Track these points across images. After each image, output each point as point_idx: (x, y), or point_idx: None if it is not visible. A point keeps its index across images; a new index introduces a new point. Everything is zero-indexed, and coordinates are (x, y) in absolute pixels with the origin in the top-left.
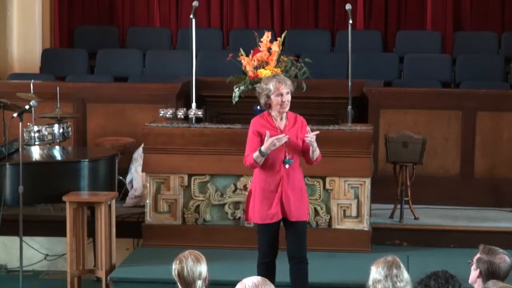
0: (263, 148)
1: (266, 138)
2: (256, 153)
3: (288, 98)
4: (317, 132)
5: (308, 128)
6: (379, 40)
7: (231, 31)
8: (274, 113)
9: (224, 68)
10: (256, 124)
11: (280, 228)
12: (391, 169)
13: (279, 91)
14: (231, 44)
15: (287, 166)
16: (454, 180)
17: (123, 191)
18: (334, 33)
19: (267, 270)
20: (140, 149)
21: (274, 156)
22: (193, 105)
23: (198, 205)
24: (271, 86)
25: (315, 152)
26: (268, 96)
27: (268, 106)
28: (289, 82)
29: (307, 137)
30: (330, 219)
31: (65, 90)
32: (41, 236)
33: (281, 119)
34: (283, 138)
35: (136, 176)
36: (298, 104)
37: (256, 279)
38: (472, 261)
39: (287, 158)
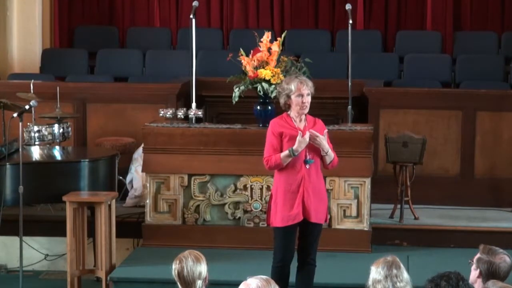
0: (295, 147)
1: (298, 138)
2: (286, 153)
3: (308, 100)
4: (322, 136)
5: (325, 131)
6: (379, 40)
7: (231, 31)
8: (293, 114)
9: (224, 68)
10: (276, 125)
11: None
12: (391, 169)
13: (300, 91)
14: (231, 44)
15: (307, 166)
16: (454, 180)
17: (123, 191)
18: (334, 33)
19: (281, 274)
20: (140, 149)
21: (296, 157)
22: (193, 105)
23: (198, 205)
24: (292, 86)
25: (328, 156)
26: (289, 96)
27: (288, 106)
28: (310, 83)
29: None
30: (330, 219)
31: (65, 90)
32: (41, 236)
33: (300, 120)
34: (318, 138)
35: (136, 176)
36: None
37: (259, 280)
38: (472, 261)
39: (308, 158)
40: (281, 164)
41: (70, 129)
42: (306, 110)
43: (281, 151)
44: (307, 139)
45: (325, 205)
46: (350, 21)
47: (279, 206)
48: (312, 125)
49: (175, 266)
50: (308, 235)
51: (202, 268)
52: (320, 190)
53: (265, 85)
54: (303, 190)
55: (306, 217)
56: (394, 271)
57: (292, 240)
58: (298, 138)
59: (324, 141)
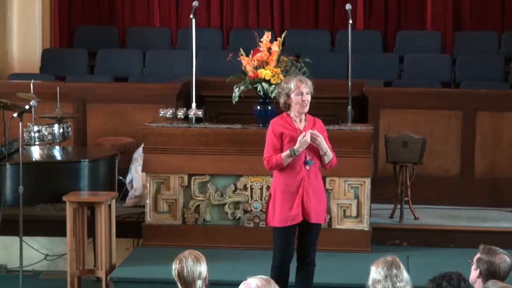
0: (296, 147)
1: (299, 139)
2: (287, 153)
3: (307, 98)
4: (318, 134)
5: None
6: (379, 40)
7: (231, 31)
8: (293, 113)
9: (224, 68)
10: (276, 124)
11: None
12: (391, 169)
13: (299, 90)
14: (231, 44)
15: (307, 167)
16: (454, 180)
17: (123, 191)
18: (334, 33)
19: (281, 274)
20: (140, 149)
21: (295, 157)
22: (193, 105)
23: (198, 205)
24: (291, 85)
25: (326, 156)
26: (288, 95)
27: (287, 106)
28: (310, 82)
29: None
30: (330, 219)
31: (65, 90)
32: (41, 236)
33: (300, 120)
34: (318, 138)
35: (136, 176)
36: None
37: (259, 279)
38: (472, 261)
39: (308, 159)
40: (282, 164)
41: (70, 129)
42: (306, 109)
43: (282, 151)
44: (309, 140)
45: (324, 205)
46: (350, 21)
47: (277, 206)
48: (312, 125)
49: (175, 266)
50: (307, 235)
51: (202, 268)
52: (319, 190)
53: (265, 85)
54: (302, 191)
55: (306, 218)
56: (394, 271)
57: (291, 240)
58: (300, 138)
59: (323, 141)
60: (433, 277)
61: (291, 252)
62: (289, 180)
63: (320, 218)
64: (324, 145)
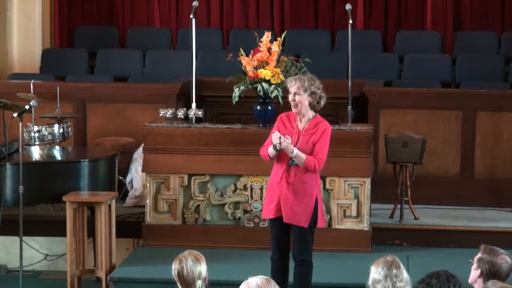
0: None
1: (273, 134)
2: (271, 146)
3: (294, 97)
4: (285, 139)
5: (287, 136)
6: (379, 40)
7: (231, 31)
8: None
9: (224, 68)
10: (280, 120)
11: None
12: (391, 169)
13: (289, 89)
14: (231, 44)
15: (291, 166)
16: (454, 180)
17: (123, 191)
18: (334, 33)
19: (274, 268)
20: (140, 149)
21: (282, 156)
22: (193, 105)
23: (198, 205)
24: (287, 83)
25: (296, 159)
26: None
27: None
28: (306, 83)
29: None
30: (330, 219)
31: (65, 90)
32: (41, 236)
33: (301, 120)
34: (284, 142)
35: (136, 176)
36: None
37: (260, 279)
38: (473, 261)
39: (292, 159)
40: (267, 155)
41: (70, 129)
42: (296, 109)
43: None
44: (276, 141)
45: (308, 210)
46: (350, 21)
47: (265, 197)
48: (312, 127)
49: (175, 266)
50: (293, 236)
51: (202, 268)
52: (304, 194)
53: (265, 85)
54: (280, 189)
55: (282, 215)
56: (394, 271)
57: (280, 233)
58: (273, 135)
59: (289, 146)
60: (421, 279)
61: (283, 245)
62: (274, 175)
63: (300, 221)
64: (290, 148)
